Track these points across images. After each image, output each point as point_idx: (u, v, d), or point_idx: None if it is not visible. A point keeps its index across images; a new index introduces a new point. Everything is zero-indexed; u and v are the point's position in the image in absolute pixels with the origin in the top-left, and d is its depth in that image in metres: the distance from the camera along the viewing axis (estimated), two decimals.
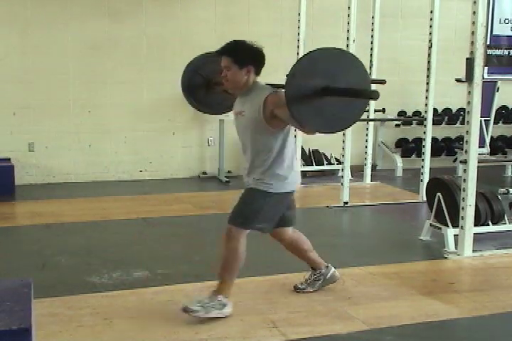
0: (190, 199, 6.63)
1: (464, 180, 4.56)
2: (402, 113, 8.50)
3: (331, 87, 3.03)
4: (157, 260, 4.47)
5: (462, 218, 4.57)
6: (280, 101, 3.11)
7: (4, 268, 4.24)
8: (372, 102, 7.27)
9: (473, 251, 4.60)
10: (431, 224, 4.95)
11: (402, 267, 4.34)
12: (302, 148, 7.58)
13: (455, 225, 4.69)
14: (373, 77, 7.12)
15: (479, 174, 4.57)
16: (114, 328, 3.27)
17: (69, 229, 5.40)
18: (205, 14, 7.67)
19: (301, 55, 6.93)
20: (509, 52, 4.66)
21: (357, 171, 7.56)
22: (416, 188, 6.72)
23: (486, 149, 8.05)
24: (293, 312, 3.48)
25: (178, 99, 7.56)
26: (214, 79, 3.81)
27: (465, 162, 4.56)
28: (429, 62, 6.37)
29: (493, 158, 8.21)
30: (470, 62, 4.40)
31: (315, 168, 7.79)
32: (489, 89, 7.70)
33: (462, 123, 6.57)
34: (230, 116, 7.33)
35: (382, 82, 5.75)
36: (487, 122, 8.13)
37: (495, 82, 7.87)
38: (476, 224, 4.69)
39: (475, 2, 4.39)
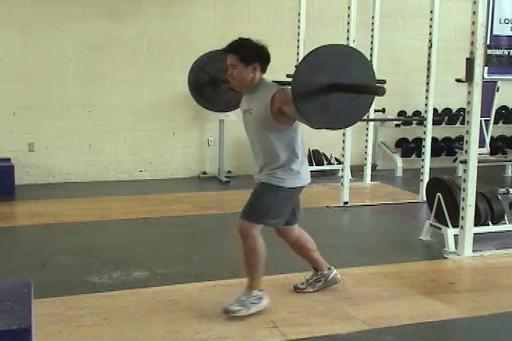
0: (190, 199, 6.63)
1: (464, 180, 4.56)
2: (402, 113, 8.50)
3: (336, 84, 3.05)
4: (157, 260, 4.47)
5: (462, 218, 4.57)
6: (287, 98, 3.13)
7: (4, 268, 4.24)
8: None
9: (473, 251, 4.60)
10: (431, 224, 4.95)
11: (402, 267, 4.34)
12: None
13: (455, 225, 4.69)
14: None
15: (479, 174, 4.57)
16: (114, 328, 3.27)
17: (69, 229, 5.40)
18: (205, 14, 7.67)
19: (301, 55, 6.95)
20: (509, 52, 4.66)
21: (357, 171, 7.55)
22: (416, 188, 6.72)
23: (486, 149, 8.05)
24: (293, 312, 3.48)
25: (178, 99, 7.64)
26: (220, 77, 3.82)
27: (465, 162, 4.56)
28: (429, 62, 6.37)
29: (493, 158, 8.21)
30: (470, 62, 4.40)
31: (315, 168, 7.77)
32: (489, 89, 7.70)
33: (462, 123, 6.57)
34: (230, 116, 7.39)
35: (382, 82, 5.75)
36: (487, 122, 8.13)
37: (495, 82, 7.87)
38: (476, 224, 4.69)
39: (475, 2, 4.39)
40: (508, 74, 4.87)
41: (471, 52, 4.43)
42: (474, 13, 4.40)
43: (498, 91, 8.13)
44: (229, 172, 7.85)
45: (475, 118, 4.47)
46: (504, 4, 4.63)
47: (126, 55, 7.44)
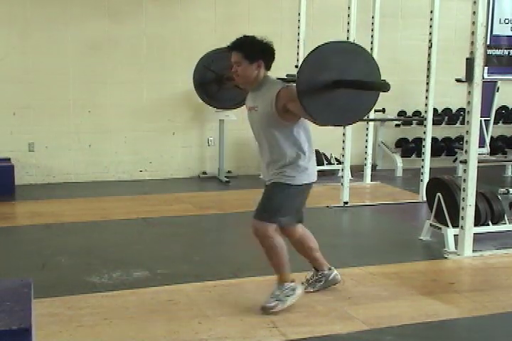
0: (190, 199, 6.63)
1: (464, 180, 4.56)
2: (402, 113, 8.50)
3: (341, 80, 3.05)
4: (157, 260, 4.47)
5: (462, 218, 4.57)
6: (292, 95, 3.14)
7: (4, 268, 4.24)
8: None
9: (473, 251, 4.60)
10: (431, 224, 4.95)
11: (402, 267, 4.34)
12: None
13: (455, 225, 4.69)
14: None
15: (479, 174, 4.57)
16: (114, 328, 3.27)
17: (69, 229, 5.40)
18: (205, 14, 7.67)
19: (301, 55, 6.95)
20: (509, 52, 4.66)
21: (357, 171, 7.55)
22: (416, 188, 6.72)
23: (486, 149, 8.05)
24: (293, 312, 3.47)
25: (178, 99, 7.64)
26: (225, 75, 3.83)
27: (465, 162, 4.56)
28: (429, 62, 6.37)
29: (493, 158, 8.21)
30: (470, 62, 4.40)
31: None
32: (489, 89, 7.70)
33: (462, 123, 6.56)
34: (230, 116, 7.39)
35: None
36: (487, 122, 8.13)
37: (495, 82, 7.87)
38: (476, 224, 4.69)
39: (475, 2, 4.39)
40: (508, 74, 4.87)
41: (471, 52, 4.43)
42: (474, 13, 4.40)
43: (498, 91, 8.13)
44: (229, 172, 7.85)
45: (475, 118, 4.47)
46: (504, 4, 4.63)
47: (126, 55, 7.44)
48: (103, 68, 7.35)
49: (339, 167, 7.35)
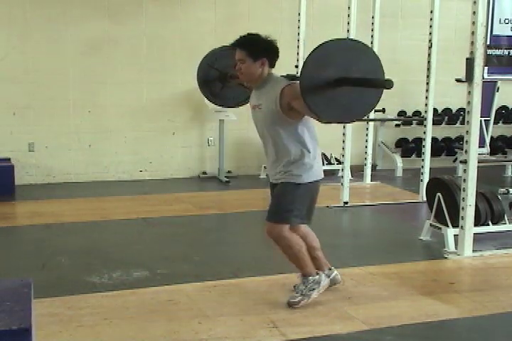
0: (190, 199, 6.63)
1: (464, 180, 4.56)
2: (402, 113, 8.50)
3: (344, 77, 3.05)
4: (157, 260, 4.47)
5: (462, 218, 4.57)
6: (296, 92, 3.15)
7: (4, 268, 4.24)
8: None
9: (473, 251, 4.60)
10: (431, 224, 4.95)
11: (402, 267, 4.34)
12: None
13: (455, 225, 4.69)
14: None
15: (479, 174, 4.57)
16: (114, 328, 3.27)
17: (69, 229, 5.40)
18: (205, 15, 7.67)
19: (301, 55, 6.95)
20: (509, 52, 4.66)
21: (357, 171, 7.56)
22: (416, 188, 6.72)
23: (486, 149, 8.05)
24: (293, 312, 3.47)
25: (178, 99, 7.65)
26: (229, 73, 3.83)
27: (465, 162, 4.56)
28: (429, 62, 6.37)
29: (493, 158, 8.21)
30: (470, 62, 4.40)
31: None
32: (489, 89, 7.70)
33: (462, 123, 6.57)
34: (230, 116, 7.38)
35: None
36: (487, 122, 8.13)
37: (495, 82, 7.87)
38: (476, 224, 4.69)
39: (475, 2, 4.39)
40: (508, 74, 4.87)
41: (471, 52, 4.43)
42: (474, 13, 4.40)
43: (498, 91, 8.14)
44: (229, 172, 7.85)
45: (475, 118, 4.46)
46: (504, 4, 4.63)
47: (126, 56, 7.44)
48: (103, 68, 7.35)
49: (339, 167, 7.35)
